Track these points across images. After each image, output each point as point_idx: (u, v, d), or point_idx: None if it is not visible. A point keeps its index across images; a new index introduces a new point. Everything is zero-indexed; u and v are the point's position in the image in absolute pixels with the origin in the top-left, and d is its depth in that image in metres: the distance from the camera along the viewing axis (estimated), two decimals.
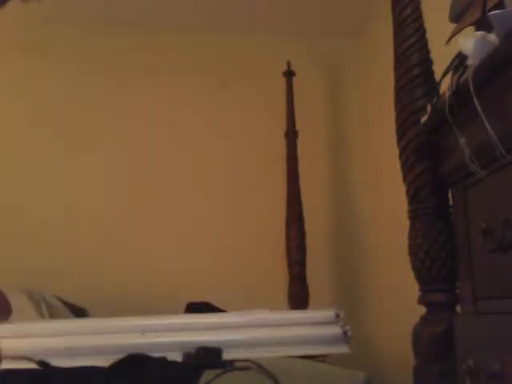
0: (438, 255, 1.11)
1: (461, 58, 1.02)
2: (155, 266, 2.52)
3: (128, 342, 1.46)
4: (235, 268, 2.57)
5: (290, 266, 2.43)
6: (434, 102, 1.09)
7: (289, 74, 2.60)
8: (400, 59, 1.20)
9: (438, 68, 1.16)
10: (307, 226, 2.45)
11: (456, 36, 1.11)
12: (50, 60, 2.67)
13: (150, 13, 2.66)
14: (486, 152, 0.91)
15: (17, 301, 1.86)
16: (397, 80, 1.21)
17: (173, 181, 2.66)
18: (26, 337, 1.46)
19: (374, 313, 2.57)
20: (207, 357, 1.35)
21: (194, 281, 2.48)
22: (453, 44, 1.09)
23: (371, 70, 2.63)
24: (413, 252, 1.15)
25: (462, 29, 1.10)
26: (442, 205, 1.14)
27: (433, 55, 1.20)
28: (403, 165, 1.19)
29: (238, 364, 1.31)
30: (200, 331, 1.52)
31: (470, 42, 0.91)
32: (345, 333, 1.52)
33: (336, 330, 1.53)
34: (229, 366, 1.31)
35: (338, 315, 1.54)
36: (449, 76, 1.04)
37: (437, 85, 1.15)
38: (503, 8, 0.92)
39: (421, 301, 1.15)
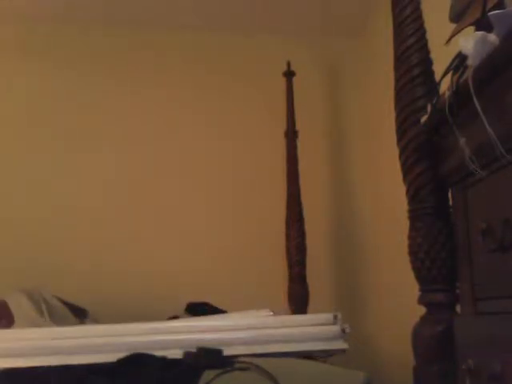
0: (437, 255, 1.11)
1: (461, 58, 1.02)
2: (155, 265, 2.52)
3: (129, 341, 1.46)
4: (235, 268, 2.57)
5: (290, 266, 2.43)
6: (434, 102, 1.09)
7: (289, 74, 2.60)
8: (400, 59, 1.20)
9: (438, 68, 1.16)
10: (307, 226, 2.45)
11: (456, 36, 1.11)
12: (50, 60, 2.67)
13: (150, 13, 2.66)
14: (486, 152, 0.91)
15: (17, 301, 1.86)
16: (397, 80, 1.21)
17: (173, 181, 2.66)
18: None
19: (373, 313, 2.57)
20: (207, 357, 1.35)
21: (193, 281, 2.48)
22: (453, 44, 1.09)
23: (371, 70, 2.63)
24: (413, 252, 1.15)
25: (462, 29, 1.10)
26: (442, 205, 1.14)
27: (433, 55, 1.20)
28: (403, 165, 1.19)
29: (238, 364, 1.31)
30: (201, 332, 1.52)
31: (469, 41, 0.91)
32: (343, 330, 1.52)
33: (334, 328, 1.53)
34: (229, 366, 1.31)
35: (335, 317, 1.54)
36: (449, 76, 1.04)
37: (437, 85, 1.15)
38: (503, 8, 0.92)
39: (421, 301, 1.15)
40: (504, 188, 0.91)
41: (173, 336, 1.49)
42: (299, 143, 2.55)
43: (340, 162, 2.83)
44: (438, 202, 1.14)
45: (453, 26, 1.17)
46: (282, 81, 2.60)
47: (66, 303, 2.04)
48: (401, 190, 1.21)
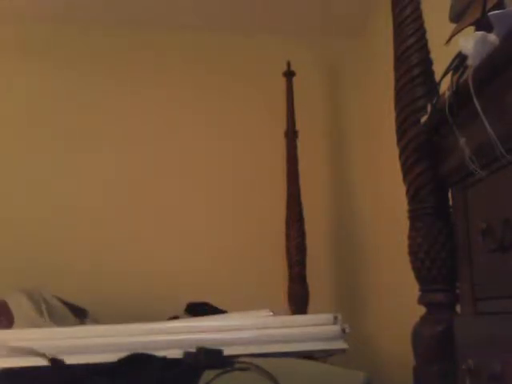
0: (438, 255, 1.11)
1: (461, 57, 1.02)
2: (155, 265, 2.52)
3: (130, 341, 1.46)
4: (235, 268, 2.57)
5: (290, 266, 2.43)
6: (434, 102, 1.09)
7: (289, 74, 2.60)
8: (400, 59, 1.20)
9: (438, 68, 1.16)
10: (307, 226, 2.45)
11: (456, 36, 1.11)
12: (50, 60, 2.67)
13: (150, 13, 2.66)
14: (486, 152, 0.91)
15: (17, 301, 1.86)
16: (397, 80, 1.21)
17: (173, 181, 2.66)
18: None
19: (373, 313, 2.57)
20: (207, 357, 1.35)
21: (193, 281, 2.48)
22: (453, 44, 1.09)
23: (371, 70, 2.63)
24: (413, 252, 1.15)
25: (462, 29, 1.10)
26: (442, 205, 1.14)
27: (433, 55, 1.20)
28: (403, 165, 1.19)
29: (237, 364, 1.31)
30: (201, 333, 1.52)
31: (470, 42, 0.91)
32: (343, 330, 1.52)
33: (334, 328, 1.53)
34: (229, 366, 1.31)
35: (335, 318, 1.54)
36: (449, 76, 1.04)
37: (437, 85, 1.15)
38: (503, 8, 0.92)
39: (421, 301, 1.15)
40: (504, 188, 0.91)
41: (173, 336, 1.49)
42: (299, 143, 2.55)
43: (340, 162, 2.82)
44: (438, 202, 1.14)
45: (453, 26, 1.17)
46: (282, 81, 2.60)
47: (65, 303, 2.04)
48: (401, 190, 1.21)
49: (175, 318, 2.00)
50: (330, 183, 2.79)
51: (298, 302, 2.36)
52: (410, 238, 1.16)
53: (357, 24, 2.73)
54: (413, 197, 1.16)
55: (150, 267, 2.51)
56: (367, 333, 2.47)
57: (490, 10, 0.95)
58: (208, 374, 1.27)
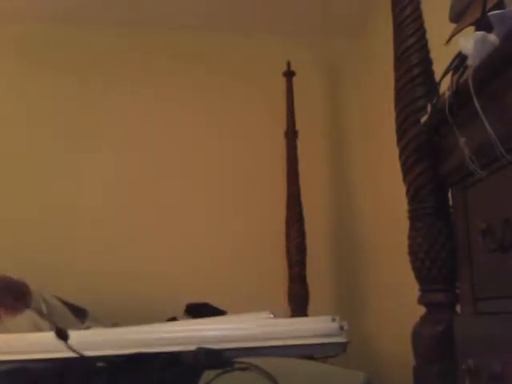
0: (438, 255, 1.11)
1: (461, 58, 1.02)
2: (155, 266, 2.52)
3: (131, 338, 1.47)
4: (235, 268, 2.57)
5: (290, 266, 2.43)
6: (434, 102, 1.09)
7: (289, 74, 2.60)
8: (400, 59, 1.20)
9: (438, 68, 1.16)
10: (307, 226, 2.45)
11: (456, 36, 1.11)
12: (50, 60, 2.67)
13: (150, 13, 2.66)
14: (486, 152, 0.91)
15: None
16: (397, 80, 1.21)
17: (173, 181, 2.66)
18: None
19: (373, 313, 2.57)
20: (207, 357, 1.35)
21: (193, 281, 2.48)
22: (453, 44, 1.09)
23: (371, 70, 2.63)
24: (413, 252, 1.15)
25: (462, 29, 1.10)
26: (442, 205, 1.14)
27: (433, 55, 1.20)
28: (403, 165, 1.19)
29: (237, 364, 1.31)
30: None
31: (469, 42, 0.91)
32: (341, 327, 1.52)
33: (333, 325, 1.53)
34: (229, 366, 1.31)
35: (334, 319, 1.54)
36: (449, 76, 1.04)
37: (437, 85, 1.15)
38: (503, 8, 0.92)
39: (421, 301, 1.15)
40: (504, 188, 0.91)
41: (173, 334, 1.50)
42: (299, 143, 2.55)
43: (340, 162, 2.83)
44: (438, 202, 1.14)
45: (453, 26, 1.17)
46: (282, 81, 2.60)
47: (66, 303, 2.04)
48: (401, 190, 1.21)
49: (173, 319, 2.00)
50: (330, 183, 2.79)
51: (298, 302, 2.36)
52: (410, 238, 1.16)
53: (357, 24, 2.73)
54: (413, 197, 1.16)
55: (150, 267, 2.51)
56: (367, 333, 2.47)
57: (490, 10, 0.95)
58: (208, 374, 1.27)
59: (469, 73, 0.92)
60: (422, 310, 1.14)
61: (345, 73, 2.87)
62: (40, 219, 2.49)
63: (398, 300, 2.08)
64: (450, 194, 1.14)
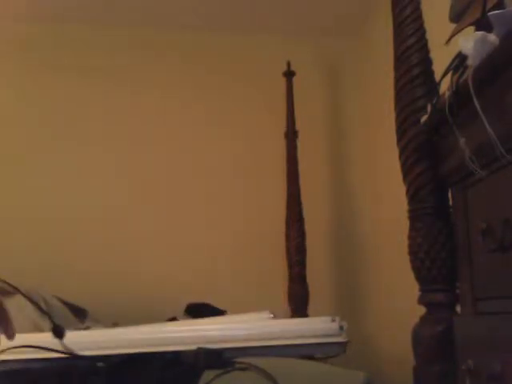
0: (438, 255, 1.10)
1: (461, 57, 1.02)
2: (155, 266, 2.52)
3: (131, 338, 1.47)
4: (235, 268, 2.57)
5: (290, 266, 2.43)
6: (434, 102, 1.09)
7: (289, 74, 2.60)
8: (400, 59, 1.20)
9: (438, 68, 1.16)
10: (307, 226, 2.45)
11: (456, 36, 1.11)
12: (50, 60, 2.67)
13: (150, 13, 2.66)
14: (486, 152, 0.91)
15: (16, 301, 1.86)
16: (397, 80, 1.21)
17: (173, 181, 2.66)
18: None
19: (373, 313, 2.57)
20: (207, 357, 1.35)
21: (193, 281, 2.48)
22: (453, 44, 1.09)
23: (371, 70, 2.63)
24: (413, 252, 1.15)
25: (462, 29, 1.10)
26: (442, 205, 1.14)
27: (433, 55, 1.20)
28: (403, 165, 1.19)
29: (237, 365, 1.31)
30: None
31: (470, 42, 0.91)
32: (341, 327, 1.52)
33: (333, 325, 1.53)
34: (229, 366, 1.31)
35: (333, 320, 1.54)
36: (449, 76, 1.04)
37: (437, 85, 1.15)
38: (503, 8, 0.92)
39: (421, 301, 1.15)
40: (504, 188, 0.91)
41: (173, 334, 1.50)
42: (299, 143, 2.55)
43: (340, 162, 2.83)
44: (438, 202, 1.14)
45: (453, 26, 1.17)
46: (282, 81, 2.60)
47: (66, 303, 2.04)
48: (401, 190, 1.21)
49: (173, 319, 2.00)
50: (330, 183, 2.79)
51: (298, 302, 2.36)
52: (410, 237, 1.16)
53: (357, 24, 2.73)
54: (413, 197, 1.16)
55: (150, 267, 2.51)
56: (367, 333, 2.47)
57: (490, 10, 0.95)
58: (208, 375, 1.27)
59: (469, 73, 0.92)
60: (422, 310, 1.14)
61: (345, 73, 2.87)
62: (40, 219, 2.49)
63: (398, 300, 2.08)
64: (450, 194, 1.14)
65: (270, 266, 2.56)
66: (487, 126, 0.87)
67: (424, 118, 1.13)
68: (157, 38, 2.75)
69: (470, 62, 0.93)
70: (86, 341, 1.47)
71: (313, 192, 2.59)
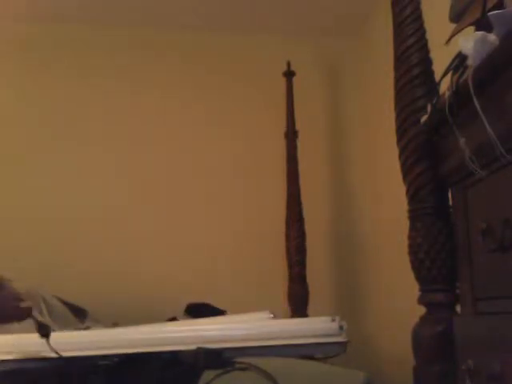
0: (438, 255, 1.10)
1: (461, 58, 1.02)
2: (155, 266, 2.52)
3: (131, 338, 1.47)
4: (235, 268, 2.57)
5: (290, 266, 2.43)
6: (434, 102, 1.09)
7: (289, 74, 2.60)
8: (400, 59, 1.20)
9: (438, 68, 1.16)
10: (307, 226, 2.45)
11: (456, 36, 1.11)
12: (50, 60, 2.67)
13: (150, 13, 2.66)
14: (486, 152, 0.91)
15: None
16: (397, 80, 1.21)
17: (172, 181, 2.66)
18: None
19: (373, 313, 2.57)
20: (207, 357, 1.35)
21: (193, 281, 2.48)
22: (453, 44, 1.09)
23: (371, 70, 2.63)
24: (413, 252, 1.15)
25: (462, 29, 1.10)
26: (442, 205, 1.14)
27: (433, 55, 1.20)
28: (403, 165, 1.19)
29: (237, 365, 1.31)
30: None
31: (469, 42, 0.91)
32: (341, 327, 1.52)
33: (333, 325, 1.53)
34: (229, 366, 1.31)
35: (333, 320, 1.54)
36: (449, 76, 1.04)
37: (437, 85, 1.15)
38: (503, 8, 0.92)
39: (421, 301, 1.15)
40: (504, 188, 0.91)
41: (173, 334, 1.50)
42: (299, 143, 2.55)
43: (340, 162, 2.82)
44: (438, 202, 1.14)
45: (453, 26, 1.17)
46: (282, 81, 2.60)
47: (66, 303, 2.04)
48: (401, 190, 1.21)
49: (173, 319, 2.00)
50: (330, 183, 2.79)
51: (298, 302, 2.36)
52: (410, 237, 1.16)
53: (357, 24, 2.73)
54: (413, 197, 1.16)
55: (150, 267, 2.51)
56: (367, 333, 2.47)
57: (490, 10, 0.95)
58: (208, 374, 1.27)
59: (469, 73, 0.92)
60: (422, 309, 1.14)
61: (345, 73, 2.87)
62: (39, 219, 2.48)
63: (398, 300, 2.08)
64: (450, 194, 1.14)
65: (270, 266, 2.56)
66: (487, 125, 0.87)
67: (424, 118, 1.13)
68: (157, 38, 2.75)
69: (470, 62, 0.93)
70: (86, 341, 1.47)
71: (313, 192, 2.59)
